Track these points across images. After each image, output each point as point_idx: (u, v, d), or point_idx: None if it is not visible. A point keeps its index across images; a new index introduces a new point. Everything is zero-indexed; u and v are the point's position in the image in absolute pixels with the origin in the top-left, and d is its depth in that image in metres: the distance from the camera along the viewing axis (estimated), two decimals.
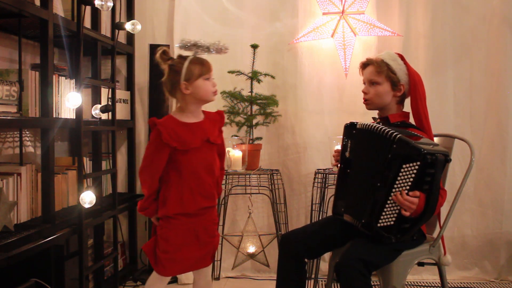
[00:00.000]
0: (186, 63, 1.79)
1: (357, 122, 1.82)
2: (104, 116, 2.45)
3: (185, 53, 1.85)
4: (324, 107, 2.99)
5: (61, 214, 2.17)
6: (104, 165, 2.62)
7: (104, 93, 2.50)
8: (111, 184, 2.52)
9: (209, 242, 1.86)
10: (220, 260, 2.93)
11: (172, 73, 1.80)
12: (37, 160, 2.29)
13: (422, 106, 1.83)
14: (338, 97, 2.99)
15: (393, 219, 1.62)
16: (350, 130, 1.84)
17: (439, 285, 2.37)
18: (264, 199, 2.96)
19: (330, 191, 2.31)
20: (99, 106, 2.39)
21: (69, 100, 2.04)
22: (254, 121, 2.82)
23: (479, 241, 2.90)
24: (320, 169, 2.79)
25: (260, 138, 2.86)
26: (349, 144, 1.85)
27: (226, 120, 2.79)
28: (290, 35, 2.99)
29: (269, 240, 2.71)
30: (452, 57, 2.91)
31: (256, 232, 2.71)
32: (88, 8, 2.35)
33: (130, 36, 2.95)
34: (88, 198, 2.08)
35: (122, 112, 2.79)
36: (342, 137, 1.88)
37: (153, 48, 2.91)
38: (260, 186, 2.71)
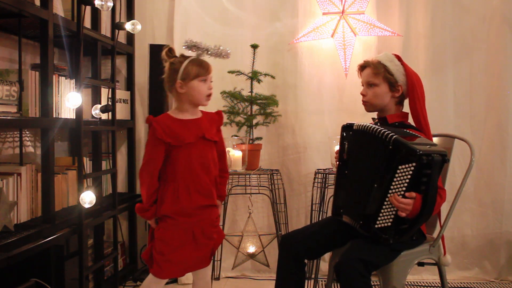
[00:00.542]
0: (185, 63, 1.81)
1: (353, 123, 1.83)
2: (104, 116, 2.45)
3: (188, 53, 1.87)
4: (324, 107, 2.99)
5: (61, 214, 2.17)
6: (104, 165, 2.62)
7: (104, 93, 2.50)
8: (111, 184, 2.52)
9: (206, 244, 1.84)
10: (220, 260, 2.93)
11: (171, 71, 1.83)
12: (37, 160, 2.29)
13: (421, 106, 1.83)
14: (338, 97, 2.99)
15: (391, 220, 1.62)
16: (347, 131, 1.85)
17: (439, 285, 2.37)
18: (264, 199, 2.96)
19: (330, 191, 2.31)
20: (99, 106, 2.39)
21: (69, 100, 2.04)
22: (254, 121, 2.82)
23: (479, 241, 2.90)
24: (320, 169, 2.79)
25: (260, 138, 2.86)
26: (346, 145, 1.85)
27: (226, 120, 2.80)
28: (290, 35, 2.99)
29: (269, 240, 2.71)
30: (452, 57, 2.91)
31: (256, 232, 2.71)
32: (88, 8, 2.35)
33: (130, 36, 2.95)
34: (88, 198, 2.08)
35: (122, 112, 2.79)
36: (339, 138, 1.89)
37: (153, 48, 2.91)
38: (260, 186, 2.71)
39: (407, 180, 1.56)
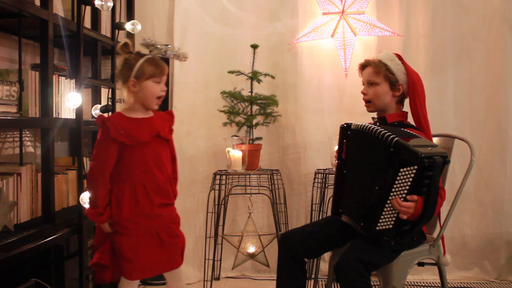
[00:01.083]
0: (141, 61, 1.76)
1: (351, 123, 1.83)
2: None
3: (146, 51, 1.83)
4: (324, 107, 2.99)
5: (61, 214, 2.17)
6: None
7: (104, 93, 2.50)
8: None
9: (174, 243, 1.82)
10: (220, 260, 2.93)
11: (126, 67, 1.78)
12: (37, 160, 2.29)
13: (421, 106, 1.84)
14: (338, 97, 2.99)
15: (392, 222, 1.62)
16: (345, 131, 1.85)
17: (439, 285, 2.37)
18: (264, 199, 2.96)
19: (330, 191, 2.31)
20: (99, 106, 2.39)
21: (69, 100, 2.04)
22: (254, 121, 2.82)
23: (479, 241, 2.90)
24: (320, 169, 2.79)
25: (260, 138, 2.86)
26: (344, 145, 1.85)
27: (226, 120, 2.80)
28: (290, 35, 2.99)
29: (269, 240, 2.71)
30: (452, 57, 2.91)
31: (256, 232, 2.71)
32: (88, 8, 2.35)
33: (130, 36, 2.95)
34: (88, 198, 2.07)
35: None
36: (338, 138, 1.89)
37: None
38: (260, 186, 2.71)
39: (409, 183, 1.55)
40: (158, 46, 1.81)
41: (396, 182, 1.57)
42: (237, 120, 2.81)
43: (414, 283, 2.82)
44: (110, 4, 2.18)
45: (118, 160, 1.77)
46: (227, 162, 2.67)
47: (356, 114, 2.88)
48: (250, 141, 2.77)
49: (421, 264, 1.89)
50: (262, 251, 2.71)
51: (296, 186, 3.01)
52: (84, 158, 2.39)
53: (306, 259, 1.88)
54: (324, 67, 2.98)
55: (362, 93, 1.92)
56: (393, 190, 1.59)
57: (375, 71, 1.86)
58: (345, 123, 1.86)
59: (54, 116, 2.12)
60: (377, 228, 1.64)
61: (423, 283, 2.83)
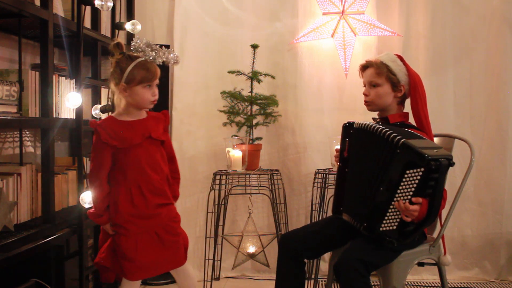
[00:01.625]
0: (131, 66, 1.75)
1: (354, 122, 1.83)
2: (104, 116, 2.44)
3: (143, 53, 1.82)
4: (324, 107, 2.99)
5: (61, 214, 2.17)
6: None
7: (104, 93, 2.50)
8: None
9: (174, 241, 1.83)
10: (220, 260, 2.93)
11: (117, 70, 1.77)
12: (37, 160, 2.29)
13: (422, 106, 1.84)
14: (338, 97, 2.99)
15: (396, 223, 1.62)
16: (348, 129, 1.85)
17: (439, 285, 2.37)
18: (264, 199, 2.96)
19: (330, 191, 2.31)
20: (99, 106, 2.38)
21: (69, 100, 2.04)
22: (254, 121, 2.82)
23: (479, 241, 2.90)
24: (320, 169, 2.79)
25: (260, 138, 2.86)
26: (347, 144, 1.85)
27: (226, 120, 2.80)
28: (290, 35, 2.99)
29: (269, 240, 2.71)
30: (452, 57, 2.91)
31: (256, 232, 2.71)
32: (88, 8, 2.35)
33: (130, 36, 2.95)
34: (88, 198, 2.07)
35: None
36: (340, 136, 1.89)
37: None
38: (260, 186, 2.71)
39: (415, 185, 1.55)
40: (148, 52, 1.77)
41: (402, 183, 1.57)
42: (237, 120, 2.81)
43: (414, 283, 2.82)
44: (110, 4, 2.18)
45: (114, 163, 1.79)
46: (227, 162, 2.67)
47: (356, 114, 2.88)
48: (250, 141, 2.77)
49: (421, 264, 1.89)
50: (262, 251, 2.71)
51: (296, 186, 3.01)
52: (84, 158, 2.39)
53: (306, 260, 1.88)
54: (324, 67, 2.98)
55: (364, 94, 1.92)
56: (398, 191, 1.58)
57: (377, 72, 1.86)
58: (348, 122, 1.86)
59: (54, 116, 2.12)
60: (381, 229, 1.64)
61: (423, 283, 2.83)
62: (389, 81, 1.85)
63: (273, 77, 2.86)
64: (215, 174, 2.70)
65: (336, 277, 1.61)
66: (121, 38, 2.80)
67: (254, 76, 2.79)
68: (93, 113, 2.41)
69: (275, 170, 2.84)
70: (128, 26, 2.49)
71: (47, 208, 2.01)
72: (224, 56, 3.01)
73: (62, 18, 2.11)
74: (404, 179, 1.56)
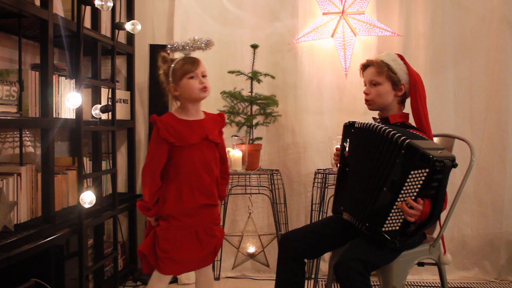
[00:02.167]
0: (172, 65, 1.85)
1: (355, 121, 1.83)
2: (104, 116, 2.45)
3: (176, 55, 1.92)
4: (324, 107, 2.99)
5: (61, 214, 2.17)
6: (104, 165, 2.62)
7: (104, 93, 2.50)
8: (111, 184, 2.52)
9: (210, 242, 1.88)
10: (220, 260, 2.93)
11: (164, 77, 1.88)
12: (37, 160, 2.29)
13: (422, 106, 1.84)
14: (338, 97, 2.99)
15: (399, 224, 1.61)
16: (349, 129, 1.85)
17: (439, 285, 2.37)
18: (264, 199, 2.96)
19: (330, 191, 2.31)
20: (99, 106, 2.39)
21: (69, 100, 2.04)
22: (254, 121, 2.82)
23: (479, 241, 2.90)
24: (320, 169, 2.79)
25: (260, 138, 2.86)
26: (348, 143, 1.85)
27: (226, 120, 2.79)
28: (290, 35, 2.99)
29: (269, 240, 2.71)
30: (452, 57, 2.91)
31: (256, 232, 2.71)
32: (88, 8, 2.35)
33: (130, 36, 2.95)
34: (88, 198, 2.08)
35: (122, 112, 2.79)
36: (341, 136, 1.89)
37: (153, 48, 2.91)
38: (260, 186, 2.71)
39: (419, 185, 1.55)
40: (181, 48, 1.89)
41: (406, 184, 1.56)
42: (237, 120, 2.81)
43: (414, 283, 2.82)
44: (110, 4, 2.18)
45: (169, 159, 1.83)
46: None
47: (356, 114, 2.88)
48: (250, 141, 2.77)
49: (421, 264, 1.89)
50: (262, 251, 2.71)
51: (296, 186, 3.01)
52: (84, 158, 2.39)
53: (306, 260, 1.88)
54: (324, 67, 2.98)
55: (365, 93, 1.92)
56: (402, 192, 1.58)
57: (378, 71, 1.86)
58: (349, 121, 1.86)
59: (54, 116, 2.12)
60: (383, 229, 1.63)
61: (423, 283, 2.83)
62: (389, 80, 1.85)
63: (273, 77, 2.86)
64: None
65: (336, 277, 1.61)
66: (121, 38, 2.80)
67: (254, 76, 2.79)
68: (93, 113, 2.41)
69: (275, 170, 2.84)
70: (128, 26, 2.49)
71: (47, 208, 2.01)
72: (224, 56, 3.01)
73: (62, 18, 2.11)
74: (408, 180, 1.56)
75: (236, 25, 3.02)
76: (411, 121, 1.89)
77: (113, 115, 2.48)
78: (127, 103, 2.89)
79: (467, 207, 2.90)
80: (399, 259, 1.72)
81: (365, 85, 1.93)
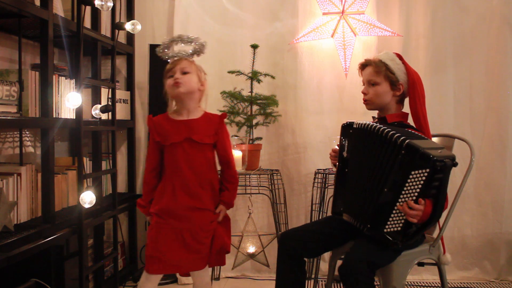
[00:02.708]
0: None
1: (353, 122, 1.82)
2: (104, 116, 2.45)
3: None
4: (324, 107, 2.99)
5: (61, 214, 2.17)
6: (104, 165, 2.62)
7: (104, 93, 2.50)
8: (111, 184, 2.52)
9: (198, 249, 1.83)
10: None
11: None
12: (37, 160, 2.29)
13: (421, 105, 1.83)
14: (338, 97, 2.99)
15: (401, 225, 1.61)
16: (347, 129, 1.85)
17: (439, 285, 2.37)
18: (264, 199, 2.96)
19: (330, 191, 2.31)
20: (99, 106, 2.39)
21: (69, 100, 2.04)
22: (254, 121, 2.82)
23: (479, 241, 2.90)
24: (320, 169, 2.79)
25: (260, 138, 2.86)
26: (346, 144, 1.85)
27: (226, 120, 2.79)
28: (290, 35, 2.99)
29: (269, 240, 2.71)
30: (452, 57, 2.91)
31: (256, 232, 2.71)
32: (88, 8, 2.35)
33: (130, 36, 2.95)
34: (88, 198, 2.08)
35: (122, 112, 2.79)
36: (339, 136, 1.89)
37: (153, 48, 2.89)
38: (260, 186, 2.71)
39: (420, 185, 1.55)
40: (166, 55, 1.94)
41: (407, 184, 1.56)
42: (237, 120, 2.81)
43: (414, 283, 2.82)
44: (110, 4, 2.18)
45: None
46: None
47: (356, 114, 2.88)
48: (250, 141, 2.77)
49: (421, 264, 1.89)
50: (262, 251, 2.71)
51: (296, 186, 3.01)
52: (84, 158, 2.39)
53: (305, 259, 1.87)
54: (324, 67, 2.98)
55: (363, 92, 1.92)
56: (403, 192, 1.57)
57: (376, 70, 1.86)
58: (347, 122, 1.86)
59: (54, 116, 2.12)
60: (385, 230, 1.63)
61: (423, 283, 2.83)
62: (387, 79, 1.85)
63: (273, 77, 2.86)
64: None
65: (342, 279, 1.58)
66: (121, 38, 2.80)
67: (254, 76, 2.79)
68: (93, 113, 2.41)
69: (275, 170, 2.84)
70: (128, 26, 2.49)
71: (47, 208, 2.01)
72: (224, 56, 3.01)
73: (62, 18, 2.11)
74: (409, 180, 1.56)
75: (236, 25, 3.02)
76: (410, 121, 1.89)
77: (113, 115, 2.48)
78: (127, 103, 2.89)
79: (467, 207, 2.90)
80: (399, 259, 1.72)
81: (364, 84, 1.93)
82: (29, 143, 2.39)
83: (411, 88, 1.85)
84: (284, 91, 2.99)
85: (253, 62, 2.81)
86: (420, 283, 2.83)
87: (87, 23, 2.40)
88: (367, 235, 1.70)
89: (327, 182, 2.64)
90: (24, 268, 1.93)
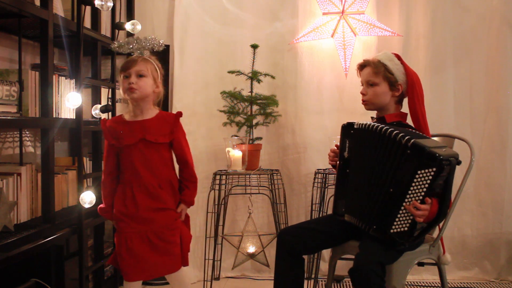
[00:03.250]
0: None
1: (354, 122, 1.82)
2: (104, 116, 2.45)
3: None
4: (324, 107, 2.99)
5: (61, 214, 2.17)
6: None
7: (104, 93, 2.50)
8: None
9: (167, 249, 1.81)
10: (220, 260, 2.93)
11: None
12: (37, 160, 2.29)
13: (420, 106, 1.83)
14: (338, 97, 2.99)
15: (407, 225, 1.61)
16: (348, 130, 1.84)
17: (439, 285, 2.37)
18: (264, 199, 2.96)
19: (330, 191, 2.31)
20: (99, 106, 2.39)
21: (69, 100, 2.04)
22: (254, 121, 2.82)
23: (479, 241, 2.90)
24: (320, 169, 2.79)
25: (260, 138, 2.86)
26: (347, 144, 1.84)
27: (226, 120, 2.80)
28: (290, 35, 2.99)
29: (269, 240, 2.71)
30: (452, 57, 2.91)
31: (256, 232, 2.71)
32: (88, 8, 2.35)
33: (130, 36, 2.95)
34: (88, 198, 2.08)
35: (122, 112, 2.79)
36: (339, 137, 1.88)
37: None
38: (260, 186, 2.70)
39: (426, 185, 1.54)
40: (123, 48, 1.88)
41: (413, 184, 1.56)
42: (237, 120, 2.81)
43: (414, 283, 2.82)
44: (110, 4, 2.18)
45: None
46: (227, 162, 2.67)
47: (356, 114, 2.88)
48: (250, 141, 2.77)
49: (421, 264, 1.89)
50: (262, 251, 2.71)
51: (296, 186, 3.01)
52: (84, 158, 2.39)
53: (304, 257, 1.87)
54: (324, 67, 2.98)
55: (361, 93, 1.92)
56: (409, 192, 1.57)
57: (374, 71, 1.86)
58: (347, 122, 1.85)
59: (54, 116, 2.12)
60: (392, 230, 1.63)
61: (423, 283, 2.83)
62: (386, 80, 1.85)
63: (273, 77, 2.85)
64: (215, 174, 2.70)
65: (355, 281, 1.56)
66: (121, 38, 2.79)
67: (254, 76, 2.79)
68: (93, 113, 2.41)
69: (275, 170, 2.84)
70: (128, 26, 2.49)
71: (47, 208, 2.01)
72: (224, 56, 3.01)
73: (62, 18, 2.11)
74: (415, 180, 1.55)
75: (236, 25, 3.02)
76: (409, 121, 1.88)
77: (113, 115, 2.48)
78: (127, 103, 2.88)
79: (467, 207, 2.90)
80: (399, 259, 1.72)
81: (362, 85, 1.93)
82: (29, 143, 2.39)
83: (410, 88, 1.84)
84: (284, 91, 2.99)
85: (253, 62, 2.81)
86: (420, 283, 2.83)
87: (87, 23, 2.40)
88: (371, 235, 1.69)
89: (327, 182, 2.64)
90: (24, 268, 1.93)
